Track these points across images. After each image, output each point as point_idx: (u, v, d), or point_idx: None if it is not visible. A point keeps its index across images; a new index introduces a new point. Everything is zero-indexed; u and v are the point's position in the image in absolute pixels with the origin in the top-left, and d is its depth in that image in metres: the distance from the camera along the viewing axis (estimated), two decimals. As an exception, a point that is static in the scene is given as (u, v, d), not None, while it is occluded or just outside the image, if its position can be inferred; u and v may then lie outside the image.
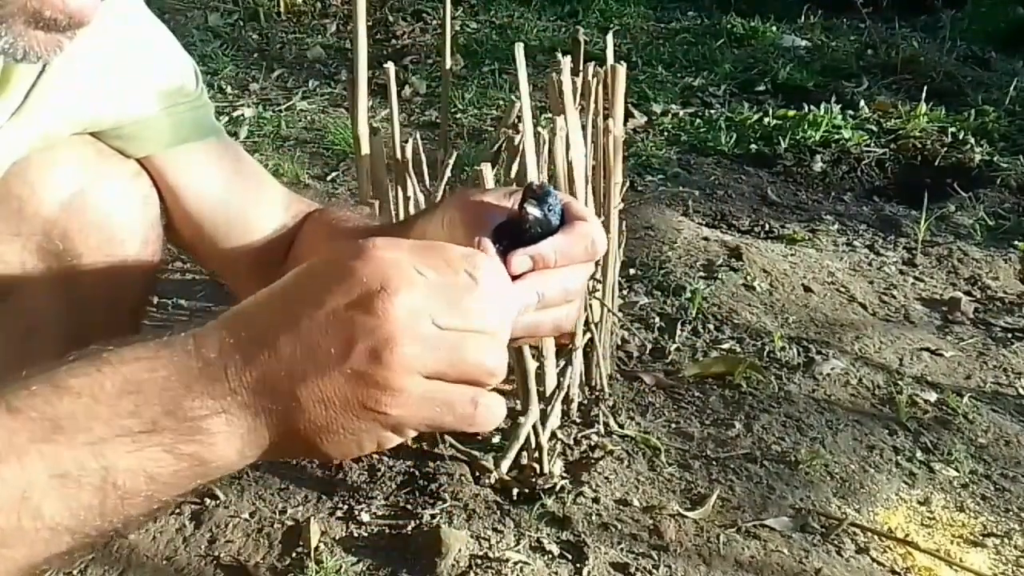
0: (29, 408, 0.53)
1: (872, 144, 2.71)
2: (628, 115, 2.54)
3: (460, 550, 1.24)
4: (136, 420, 0.53)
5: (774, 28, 3.75)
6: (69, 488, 0.53)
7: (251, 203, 0.96)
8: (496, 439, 1.43)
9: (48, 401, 0.53)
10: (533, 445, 1.36)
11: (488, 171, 1.14)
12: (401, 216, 1.28)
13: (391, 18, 3.69)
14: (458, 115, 2.81)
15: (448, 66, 1.42)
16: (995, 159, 2.62)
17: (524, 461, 1.37)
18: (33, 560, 0.54)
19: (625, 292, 1.88)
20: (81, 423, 0.53)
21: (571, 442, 1.46)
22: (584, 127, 1.36)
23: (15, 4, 0.62)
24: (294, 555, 1.24)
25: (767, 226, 2.28)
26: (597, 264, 1.48)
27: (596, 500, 1.35)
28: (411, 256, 0.56)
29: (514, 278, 0.65)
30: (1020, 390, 1.70)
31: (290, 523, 1.29)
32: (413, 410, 0.56)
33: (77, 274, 0.88)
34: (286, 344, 0.55)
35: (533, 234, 0.65)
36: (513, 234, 0.66)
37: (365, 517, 1.30)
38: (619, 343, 1.72)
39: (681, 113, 2.95)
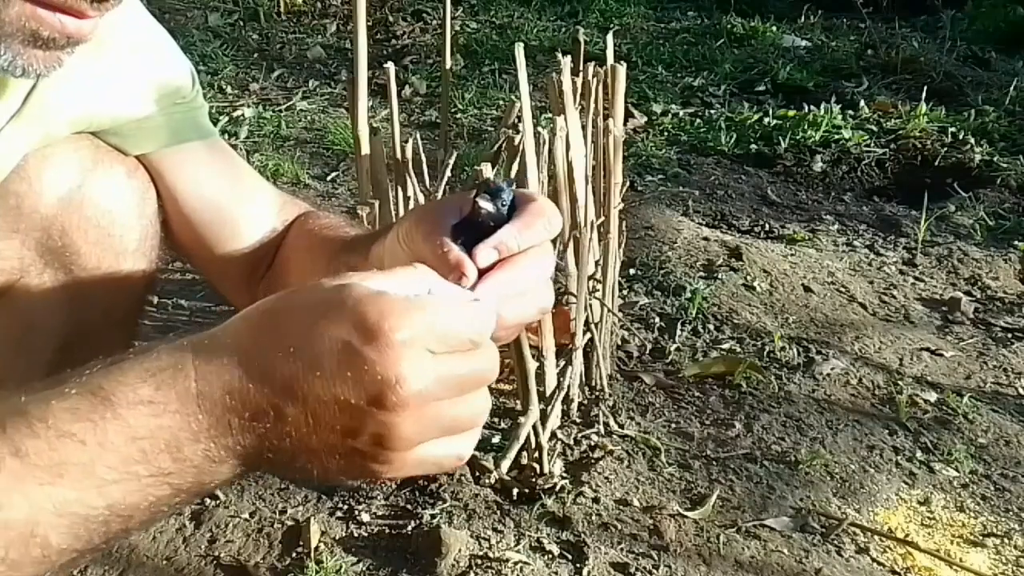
0: (33, 452, 0.55)
1: (872, 144, 2.71)
2: (628, 115, 2.54)
3: (460, 550, 1.24)
4: (143, 467, 0.56)
5: (774, 28, 3.75)
6: (75, 523, 0.56)
7: (243, 205, 0.96)
8: (496, 439, 1.43)
9: (52, 447, 0.55)
10: (533, 445, 1.36)
11: (488, 171, 1.14)
12: (402, 215, 1.28)
13: (391, 18, 3.69)
14: (458, 115, 2.81)
15: (448, 66, 1.42)
16: (995, 159, 2.62)
17: (524, 461, 1.37)
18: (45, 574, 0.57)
19: (625, 292, 1.88)
20: (86, 468, 0.55)
21: (571, 442, 1.46)
22: (584, 127, 1.36)
23: (13, 24, 0.62)
24: (294, 555, 1.24)
25: (767, 226, 2.28)
26: (597, 264, 1.48)
27: (596, 500, 1.35)
28: (426, 337, 0.57)
29: (482, 272, 0.66)
30: (1020, 390, 1.70)
31: (290, 523, 1.29)
32: (405, 472, 0.60)
33: (76, 270, 0.88)
34: (292, 413, 0.56)
35: (488, 227, 0.66)
36: (469, 231, 0.67)
37: (365, 517, 1.30)
38: (619, 343, 1.72)
39: (681, 113, 2.95)
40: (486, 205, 0.65)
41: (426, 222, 0.70)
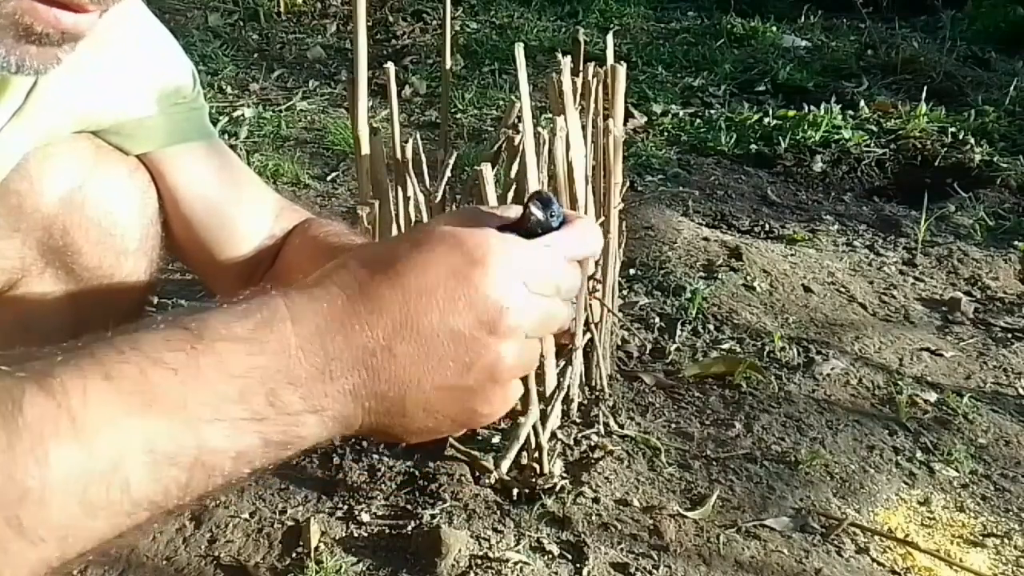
0: (122, 377, 0.51)
1: (872, 144, 2.71)
2: (628, 115, 2.54)
3: (460, 550, 1.24)
4: (237, 407, 0.53)
5: (774, 28, 3.75)
6: (160, 464, 0.51)
7: (241, 208, 0.96)
8: (496, 439, 1.43)
9: (144, 372, 0.51)
10: (533, 445, 1.36)
11: (488, 171, 1.14)
12: (401, 216, 1.28)
13: (391, 18, 3.69)
14: (458, 115, 2.81)
15: (448, 66, 1.42)
16: (995, 159, 2.62)
17: (524, 461, 1.37)
18: (111, 533, 0.52)
19: (625, 292, 1.88)
20: (178, 400, 0.52)
21: (571, 442, 1.46)
22: (584, 127, 1.36)
23: (6, 19, 0.61)
24: (294, 555, 1.24)
25: (767, 226, 2.28)
26: (597, 264, 1.48)
27: (596, 500, 1.35)
28: (524, 271, 0.59)
29: None
30: (1020, 390, 1.70)
31: (290, 523, 1.29)
32: (500, 413, 0.61)
33: (77, 269, 0.88)
34: (403, 349, 0.55)
35: (536, 235, 0.66)
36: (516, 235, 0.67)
37: (365, 517, 1.30)
38: (619, 343, 1.72)
39: (681, 113, 2.95)
40: (537, 212, 0.65)
41: (472, 222, 0.69)
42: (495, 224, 0.67)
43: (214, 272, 0.98)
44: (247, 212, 0.97)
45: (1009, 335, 1.87)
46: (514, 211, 0.67)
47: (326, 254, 0.89)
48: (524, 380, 1.30)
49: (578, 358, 1.49)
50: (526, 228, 0.65)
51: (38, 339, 0.88)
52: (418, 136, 1.33)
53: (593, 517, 1.32)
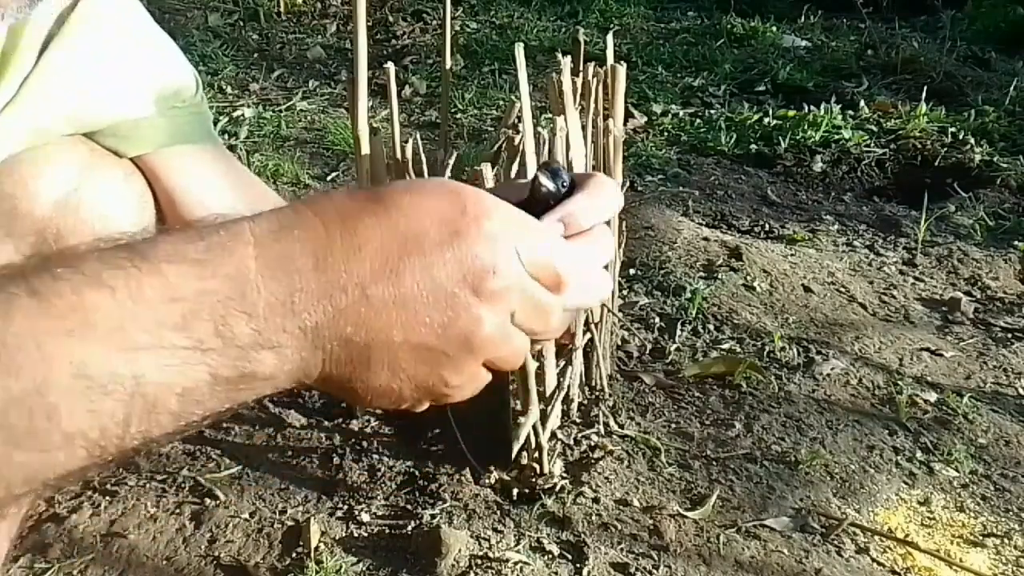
0: (54, 294, 0.45)
1: (872, 144, 2.71)
2: (628, 115, 2.54)
3: (460, 550, 1.24)
4: (181, 334, 0.46)
5: (774, 28, 3.75)
6: (92, 392, 0.45)
7: (242, 210, 0.95)
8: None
9: (77, 291, 0.45)
10: (533, 445, 1.36)
11: (488, 171, 1.14)
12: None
13: (391, 18, 3.69)
14: (458, 115, 2.81)
15: (448, 66, 1.42)
16: (995, 159, 2.62)
17: (524, 461, 1.37)
18: (46, 471, 0.47)
19: (625, 292, 1.88)
20: (115, 323, 0.45)
21: (571, 442, 1.46)
22: (584, 127, 1.36)
23: None
24: (294, 555, 1.24)
25: (767, 226, 2.28)
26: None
27: (596, 500, 1.35)
28: (520, 243, 0.54)
29: None
30: (1020, 390, 1.70)
31: (290, 523, 1.29)
32: (467, 393, 0.55)
33: None
34: (378, 292, 0.49)
35: (549, 207, 0.62)
36: (530, 212, 0.62)
37: (365, 517, 1.30)
38: (619, 343, 1.72)
39: (681, 113, 2.95)
40: (547, 183, 0.61)
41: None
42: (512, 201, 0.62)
43: None
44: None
45: (1009, 335, 1.87)
46: (523, 189, 0.64)
47: None
48: (524, 380, 1.31)
49: (578, 358, 1.49)
50: (536, 200, 0.62)
51: None
52: (418, 136, 1.33)
53: (593, 517, 1.32)
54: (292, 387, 0.51)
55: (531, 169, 1.24)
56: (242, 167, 1.00)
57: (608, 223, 0.63)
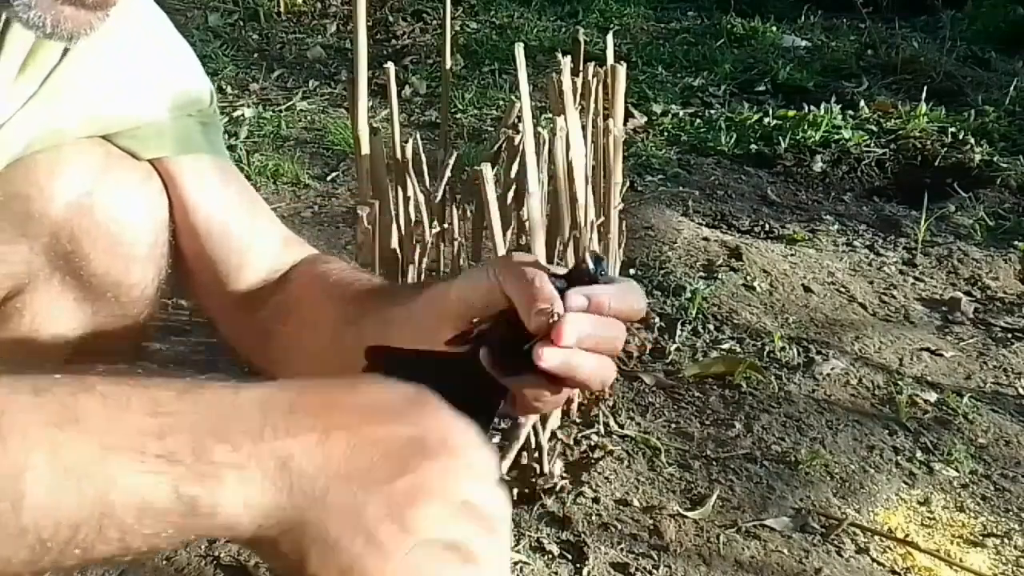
0: (51, 394, 0.50)
1: (872, 144, 2.71)
2: (628, 115, 2.54)
3: (460, 550, 1.24)
4: (154, 442, 0.50)
5: (774, 28, 3.75)
6: (63, 485, 0.48)
7: (255, 230, 0.93)
8: (496, 439, 1.43)
9: (73, 393, 0.51)
10: (533, 445, 1.36)
11: (488, 171, 1.14)
12: (401, 216, 1.28)
13: (391, 18, 3.69)
14: (458, 115, 2.81)
15: (448, 66, 1.42)
16: (995, 159, 2.62)
17: (524, 461, 1.37)
18: None
19: (625, 292, 1.88)
20: (100, 424, 0.50)
21: (571, 442, 1.46)
22: (584, 127, 1.36)
23: None
24: (294, 555, 1.24)
25: (767, 226, 2.28)
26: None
27: (596, 500, 1.35)
28: (467, 496, 0.54)
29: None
30: (1020, 390, 1.70)
31: (290, 523, 1.29)
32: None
33: (85, 275, 0.87)
34: (336, 444, 0.52)
35: (582, 281, 0.69)
36: (564, 284, 0.69)
37: (365, 517, 1.30)
38: (619, 343, 1.72)
39: (681, 113, 2.95)
40: (589, 263, 0.69)
41: (528, 263, 0.70)
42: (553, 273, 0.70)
43: (216, 296, 0.94)
44: (259, 236, 0.93)
45: (1009, 335, 1.87)
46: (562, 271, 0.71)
47: (336, 290, 0.87)
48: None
49: (578, 358, 1.49)
50: (573, 276, 0.68)
51: (44, 344, 0.88)
52: (418, 136, 1.33)
53: (593, 517, 1.32)
54: (251, 532, 0.52)
55: (531, 170, 1.25)
56: (251, 189, 0.98)
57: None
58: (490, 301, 0.70)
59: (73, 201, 0.85)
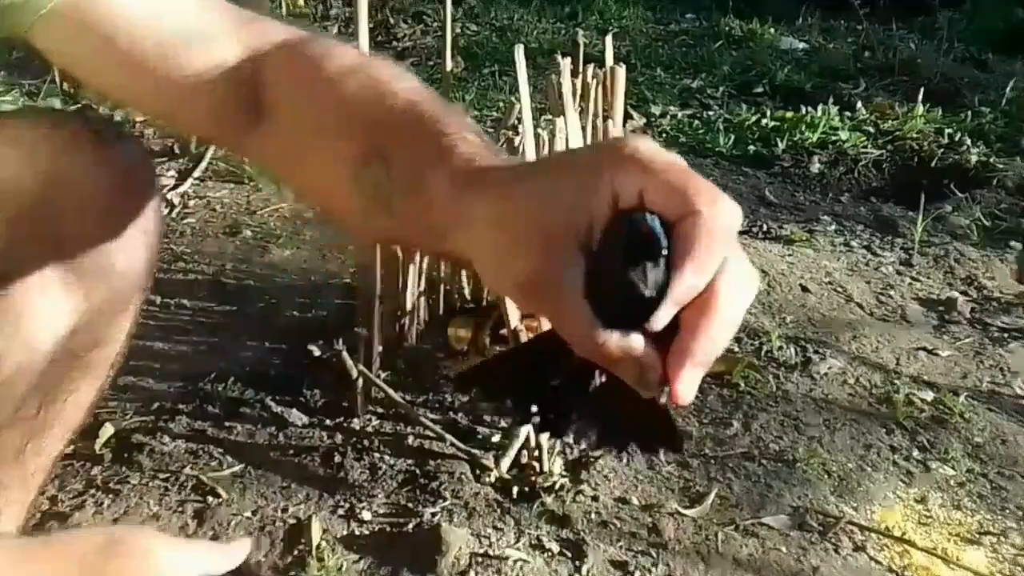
0: None
1: (869, 145, 2.72)
2: (627, 117, 2.55)
3: (460, 548, 1.25)
4: None
5: (772, 30, 3.76)
6: None
7: (185, 24, 0.75)
8: (496, 438, 1.44)
9: None
10: (533, 444, 1.37)
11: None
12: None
13: (392, 20, 3.70)
14: (458, 116, 2.82)
15: (448, 68, 1.43)
16: (992, 160, 2.64)
17: (524, 460, 1.38)
18: None
19: (624, 292, 1.89)
20: None
21: (571, 440, 1.47)
22: (583, 128, 1.37)
23: None
24: (296, 553, 1.25)
25: (765, 226, 2.29)
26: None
27: (595, 498, 1.36)
28: None
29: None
30: (1016, 389, 1.71)
31: (292, 521, 1.30)
32: None
33: (72, 262, 0.86)
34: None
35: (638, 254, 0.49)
36: (606, 263, 0.50)
37: (366, 515, 1.31)
38: (618, 343, 1.73)
39: (680, 115, 2.96)
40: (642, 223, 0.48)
41: (543, 271, 0.50)
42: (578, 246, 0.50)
43: (178, 112, 0.78)
44: (194, 29, 0.75)
45: (1005, 335, 1.88)
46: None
47: (348, 116, 0.68)
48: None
49: (577, 358, 1.50)
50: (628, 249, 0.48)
51: (32, 325, 0.87)
52: (419, 137, 1.33)
53: (592, 515, 1.33)
54: None
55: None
56: None
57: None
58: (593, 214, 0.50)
59: (57, 183, 0.82)
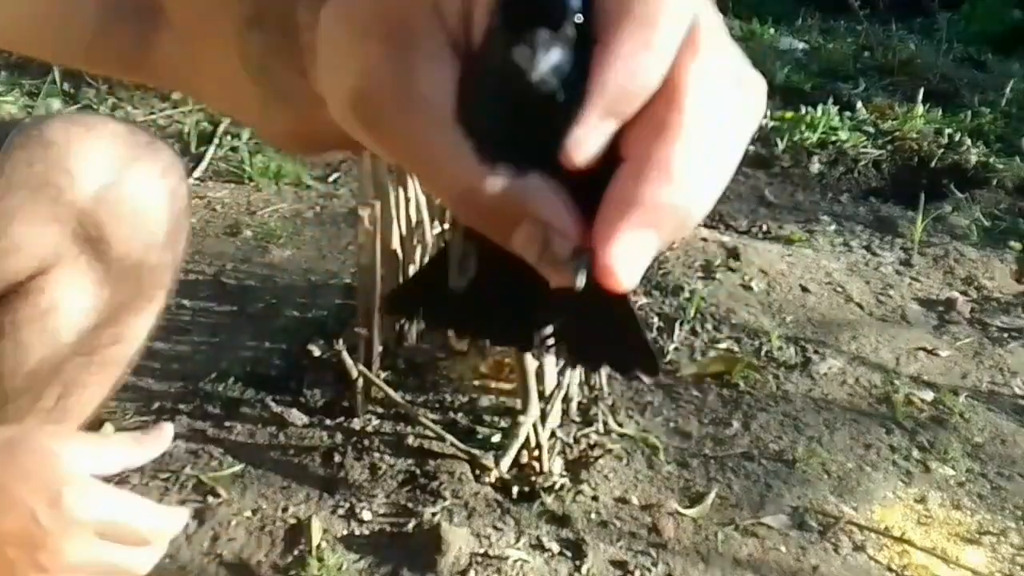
0: None
1: (869, 145, 2.72)
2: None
3: (460, 548, 1.25)
4: None
5: (772, 30, 3.76)
6: None
7: None
8: (496, 438, 1.44)
9: None
10: (533, 444, 1.37)
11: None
12: (402, 216, 1.29)
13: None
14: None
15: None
16: (991, 160, 2.64)
17: (524, 460, 1.38)
18: None
19: (624, 292, 1.89)
20: None
21: (570, 441, 1.47)
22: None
23: None
24: (296, 553, 1.25)
25: (765, 227, 2.30)
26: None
27: (595, 498, 1.36)
28: (101, 523, 0.70)
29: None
30: (1015, 389, 1.72)
31: (292, 521, 1.30)
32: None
33: (107, 258, 0.91)
34: None
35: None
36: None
37: (366, 515, 1.31)
38: (618, 343, 1.73)
39: (679, 114, 2.96)
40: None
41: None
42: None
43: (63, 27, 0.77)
44: None
45: (1005, 335, 1.88)
46: None
47: None
48: (524, 379, 1.32)
49: (577, 357, 1.50)
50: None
51: (63, 319, 0.90)
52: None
53: (592, 515, 1.33)
54: None
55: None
56: None
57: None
58: None
59: (99, 191, 0.89)
